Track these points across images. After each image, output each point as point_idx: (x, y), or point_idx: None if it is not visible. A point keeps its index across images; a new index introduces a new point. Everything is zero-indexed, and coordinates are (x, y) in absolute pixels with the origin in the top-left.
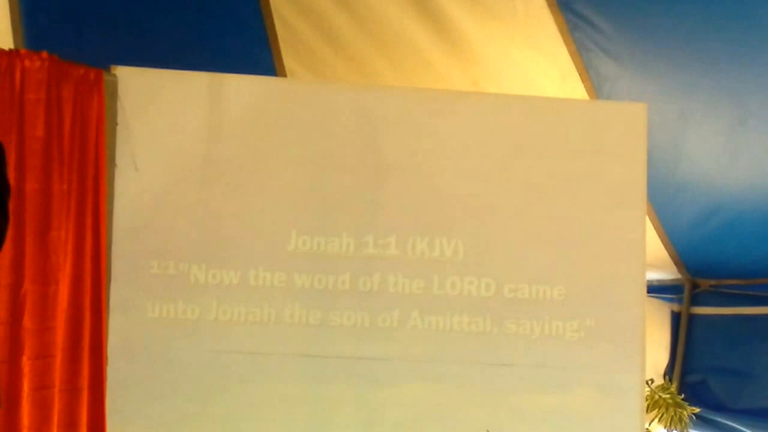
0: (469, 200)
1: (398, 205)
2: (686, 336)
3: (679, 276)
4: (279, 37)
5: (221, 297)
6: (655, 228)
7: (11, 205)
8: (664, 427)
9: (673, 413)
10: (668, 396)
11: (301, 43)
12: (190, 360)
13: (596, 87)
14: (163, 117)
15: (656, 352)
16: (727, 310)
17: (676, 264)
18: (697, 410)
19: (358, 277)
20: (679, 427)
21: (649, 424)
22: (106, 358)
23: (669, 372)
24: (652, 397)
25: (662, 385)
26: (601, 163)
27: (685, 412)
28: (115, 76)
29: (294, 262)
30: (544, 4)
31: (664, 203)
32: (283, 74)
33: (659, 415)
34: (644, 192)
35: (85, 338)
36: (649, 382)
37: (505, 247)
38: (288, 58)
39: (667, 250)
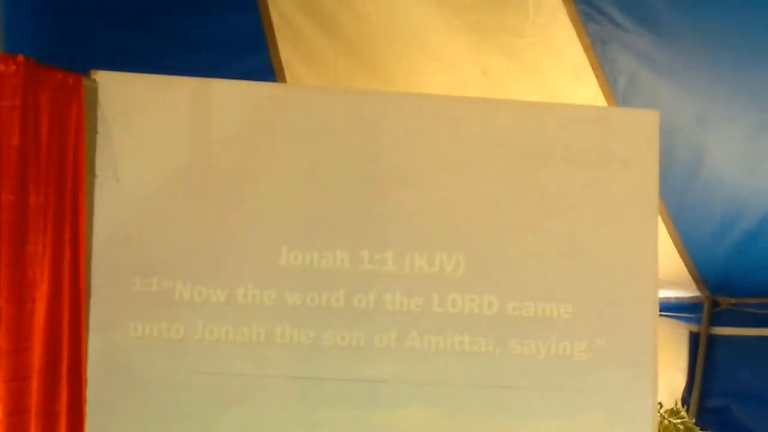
0: (472, 213)
1: (396, 218)
2: (705, 358)
3: (698, 293)
4: (276, 33)
5: (208, 316)
6: (672, 241)
7: None
8: None
9: None
10: (679, 421)
11: (300, 39)
12: (174, 382)
13: (611, 86)
14: (146, 125)
15: (673, 376)
16: (750, 331)
17: (695, 280)
18: None
19: (353, 294)
20: None
21: None
22: (86, 380)
23: (687, 396)
24: (661, 423)
25: (672, 409)
26: (611, 173)
27: None
28: (95, 81)
29: (285, 279)
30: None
31: (682, 215)
32: (281, 71)
33: None
34: (656, 204)
35: (63, 359)
36: (658, 407)
37: (509, 262)
38: (286, 54)
39: (686, 266)
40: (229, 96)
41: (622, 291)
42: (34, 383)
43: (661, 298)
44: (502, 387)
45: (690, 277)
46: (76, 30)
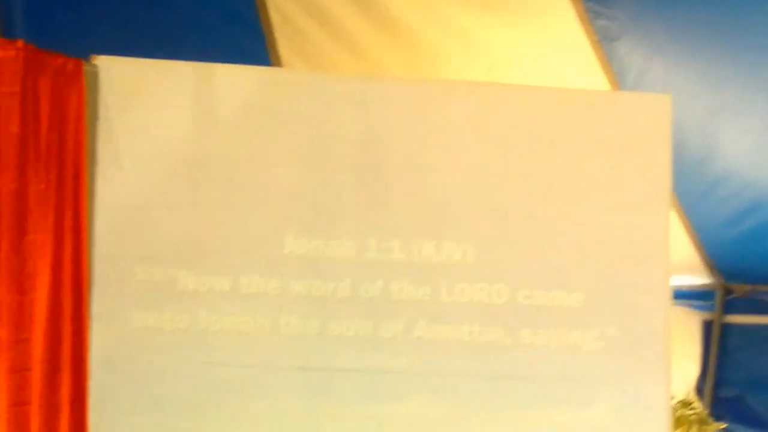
0: (480, 200)
1: (403, 206)
2: (719, 347)
3: (711, 281)
4: (274, 26)
5: (211, 305)
6: (685, 228)
7: None
8: None
9: (697, 430)
10: (692, 412)
11: (298, 32)
12: (178, 373)
13: (620, 80)
14: (148, 111)
15: (686, 365)
16: (765, 319)
17: (708, 268)
18: (723, 426)
19: (359, 283)
20: None
21: None
22: (88, 371)
23: (700, 386)
24: (675, 413)
25: (684, 400)
26: (622, 159)
27: (709, 429)
28: (96, 66)
29: (290, 268)
30: None
31: (694, 202)
32: (279, 66)
33: None
34: (669, 190)
35: (64, 350)
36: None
37: (518, 250)
38: (284, 48)
39: (698, 253)
40: (232, 81)
41: (634, 279)
42: (36, 374)
43: (673, 286)
44: (513, 378)
45: (703, 264)
46: (76, 14)
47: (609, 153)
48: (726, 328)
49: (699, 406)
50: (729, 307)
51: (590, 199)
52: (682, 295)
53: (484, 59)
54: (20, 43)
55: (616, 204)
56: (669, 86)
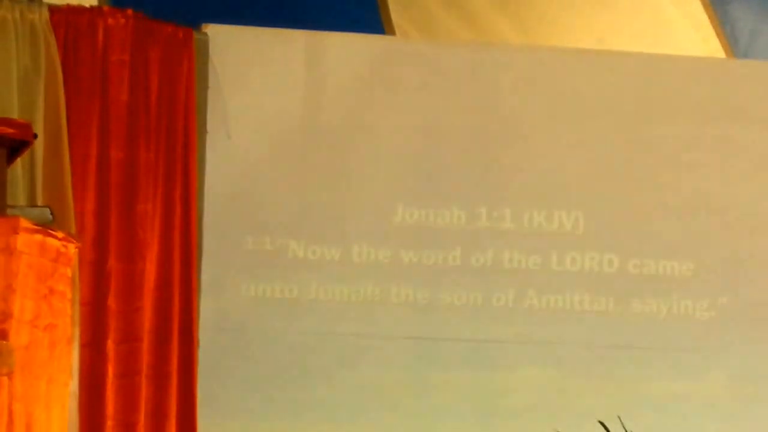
0: (591, 169)
1: (514, 175)
2: None
3: None
4: None
5: (321, 275)
6: None
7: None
8: None
9: None
10: None
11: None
12: (288, 342)
13: (732, 44)
14: (258, 79)
15: None
16: None
17: None
18: None
19: (469, 252)
20: None
21: None
22: (197, 341)
23: None
24: None
25: None
26: (733, 127)
27: None
28: (206, 35)
29: (400, 237)
30: None
31: None
32: (392, 34)
33: None
34: None
35: (174, 320)
36: None
37: (629, 219)
38: (397, 16)
39: None
40: (344, 49)
41: (745, 248)
42: (145, 345)
43: None
44: (622, 347)
45: None
46: None
47: (722, 120)
48: None
49: None
50: None
51: (703, 167)
52: None
53: (595, 26)
54: (130, 11)
55: (729, 172)
56: None
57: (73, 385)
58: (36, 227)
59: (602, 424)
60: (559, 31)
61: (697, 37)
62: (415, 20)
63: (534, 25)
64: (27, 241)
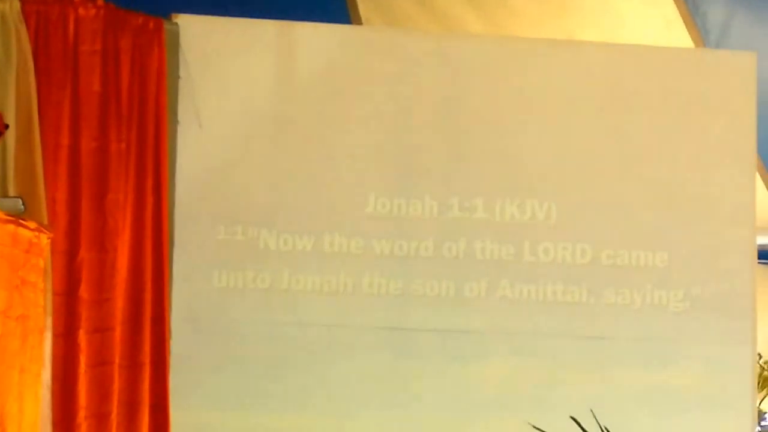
0: (563, 158)
1: (486, 164)
2: None
3: None
4: None
5: (293, 265)
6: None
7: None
8: None
9: None
10: None
11: None
12: (260, 333)
13: (703, 35)
14: (228, 69)
15: None
16: None
17: None
18: None
19: (442, 242)
20: None
21: (760, 404)
22: (170, 331)
23: None
24: (761, 374)
25: None
26: (707, 117)
27: None
28: (176, 24)
29: (372, 227)
30: None
31: None
32: (359, 23)
33: None
34: (754, 149)
35: (146, 310)
36: (757, 358)
37: (602, 209)
38: (365, 8)
39: None
40: (313, 39)
41: (719, 238)
42: (117, 334)
43: (759, 246)
44: (596, 337)
45: None
46: None
47: (693, 110)
48: None
49: None
50: None
51: (674, 159)
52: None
53: (564, 17)
54: (101, 1)
55: (701, 162)
56: (752, 41)
57: (46, 375)
58: (8, 218)
59: (574, 419)
60: (529, 24)
61: (667, 29)
62: (383, 12)
63: (503, 19)
64: None
